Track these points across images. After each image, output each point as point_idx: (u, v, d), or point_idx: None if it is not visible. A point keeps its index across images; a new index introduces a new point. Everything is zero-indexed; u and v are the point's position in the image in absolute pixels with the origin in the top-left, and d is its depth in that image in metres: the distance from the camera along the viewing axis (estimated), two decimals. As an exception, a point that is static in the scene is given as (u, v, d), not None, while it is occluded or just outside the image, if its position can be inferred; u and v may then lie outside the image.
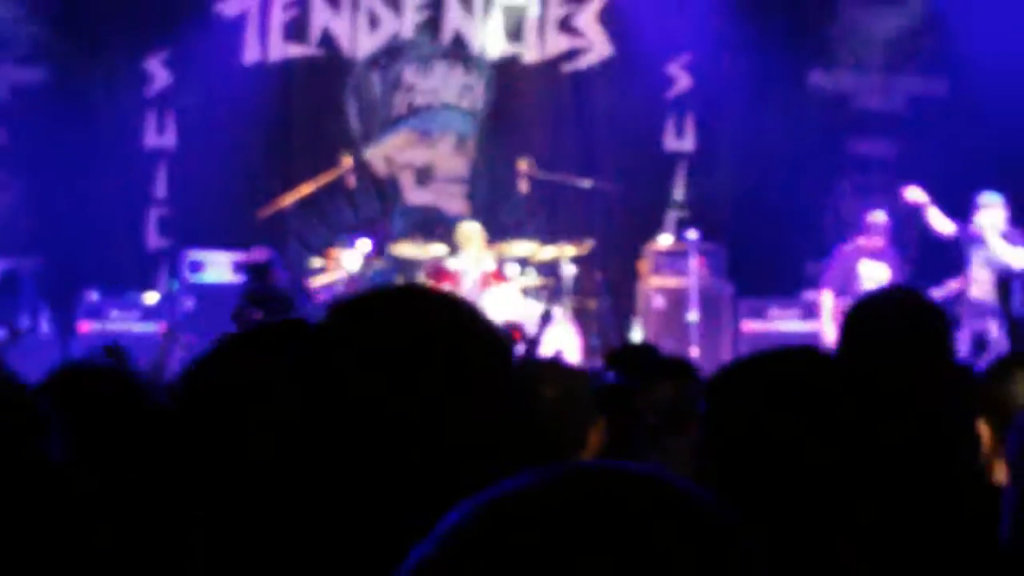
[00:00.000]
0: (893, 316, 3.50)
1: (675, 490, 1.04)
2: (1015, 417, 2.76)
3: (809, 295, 13.78)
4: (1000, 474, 2.94)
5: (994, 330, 11.91)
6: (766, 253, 14.46)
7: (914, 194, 12.39)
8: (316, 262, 13.07)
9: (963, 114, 14.52)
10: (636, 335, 13.61)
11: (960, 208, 12.37)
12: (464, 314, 1.58)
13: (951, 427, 3.34)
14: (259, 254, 12.19)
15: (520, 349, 10.00)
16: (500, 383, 1.54)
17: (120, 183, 14.44)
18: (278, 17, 15.01)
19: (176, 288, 13.16)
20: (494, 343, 1.57)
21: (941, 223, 12.34)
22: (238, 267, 12.27)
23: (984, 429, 3.27)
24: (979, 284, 12.23)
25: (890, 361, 3.39)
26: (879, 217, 13.02)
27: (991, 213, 12.13)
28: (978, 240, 12.16)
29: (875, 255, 12.90)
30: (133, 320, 13.21)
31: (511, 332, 10.99)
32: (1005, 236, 12.15)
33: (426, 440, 1.49)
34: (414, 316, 1.55)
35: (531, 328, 11.01)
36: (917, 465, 3.05)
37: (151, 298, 13.39)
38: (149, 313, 13.24)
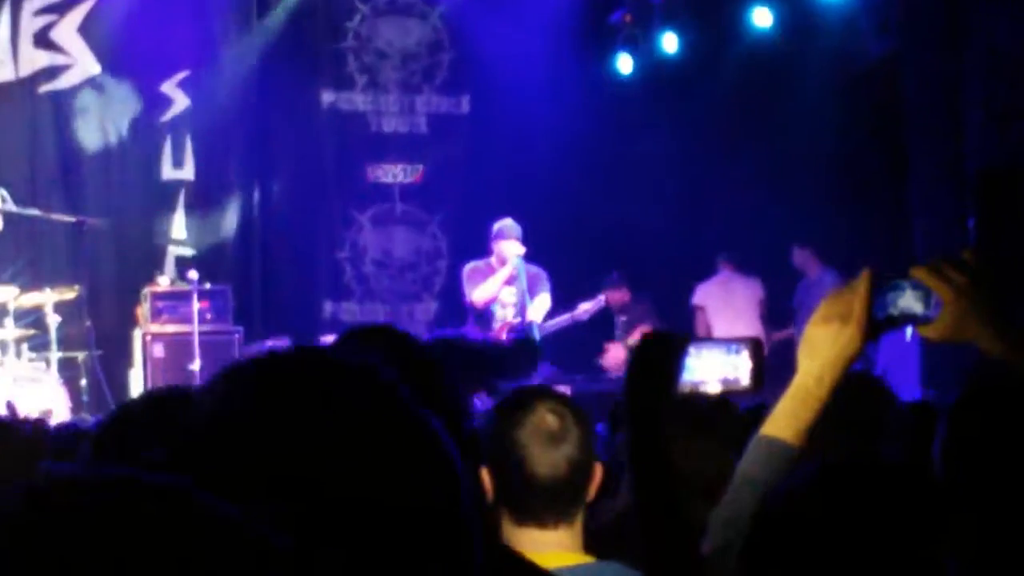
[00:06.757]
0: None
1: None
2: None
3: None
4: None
5: None
6: (280, 294, 13.71)
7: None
8: None
9: (484, 133, 14.00)
10: (134, 388, 12.45)
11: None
12: None
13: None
14: None
15: None
16: None
17: None
18: None
19: None
20: None
21: None
22: None
23: (489, 477, 2.98)
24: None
25: None
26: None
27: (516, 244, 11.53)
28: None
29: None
30: None
31: None
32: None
33: None
34: None
35: None
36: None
37: None
38: None
